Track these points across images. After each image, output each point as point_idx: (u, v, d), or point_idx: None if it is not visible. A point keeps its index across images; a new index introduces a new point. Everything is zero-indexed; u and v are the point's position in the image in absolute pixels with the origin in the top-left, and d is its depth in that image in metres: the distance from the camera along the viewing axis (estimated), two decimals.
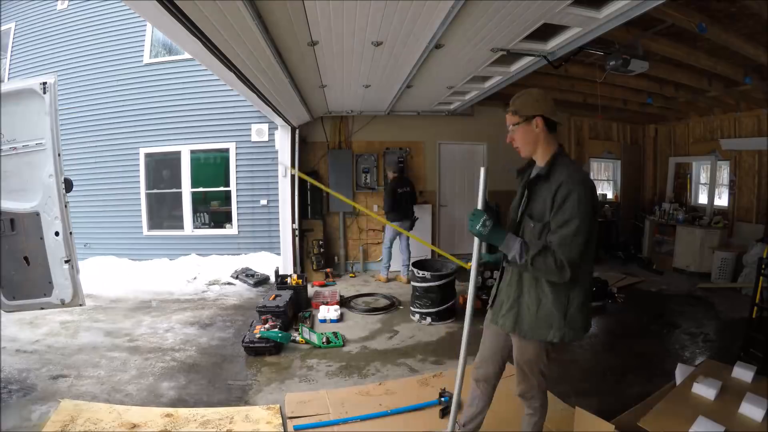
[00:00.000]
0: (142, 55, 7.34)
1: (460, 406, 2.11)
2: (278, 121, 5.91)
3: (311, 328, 4.17)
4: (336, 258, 6.84)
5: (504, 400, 2.23)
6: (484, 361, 2.08)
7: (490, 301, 2.03)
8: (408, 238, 6.01)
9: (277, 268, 5.54)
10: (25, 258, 3.12)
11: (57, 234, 3.06)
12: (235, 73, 3.40)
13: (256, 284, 6.04)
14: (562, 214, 1.67)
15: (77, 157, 7.17)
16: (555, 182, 1.71)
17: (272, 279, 5.73)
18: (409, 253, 6.05)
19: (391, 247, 6.10)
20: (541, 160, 1.84)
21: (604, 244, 7.41)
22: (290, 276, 5.17)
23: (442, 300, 4.43)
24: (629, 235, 7.75)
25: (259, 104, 4.86)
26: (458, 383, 2.04)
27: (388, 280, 6.16)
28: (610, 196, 8.23)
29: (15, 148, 3.01)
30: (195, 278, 6.24)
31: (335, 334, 4.00)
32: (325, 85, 4.68)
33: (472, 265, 1.91)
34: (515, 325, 1.85)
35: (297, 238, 6.30)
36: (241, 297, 5.58)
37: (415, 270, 4.58)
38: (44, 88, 2.92)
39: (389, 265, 6.15)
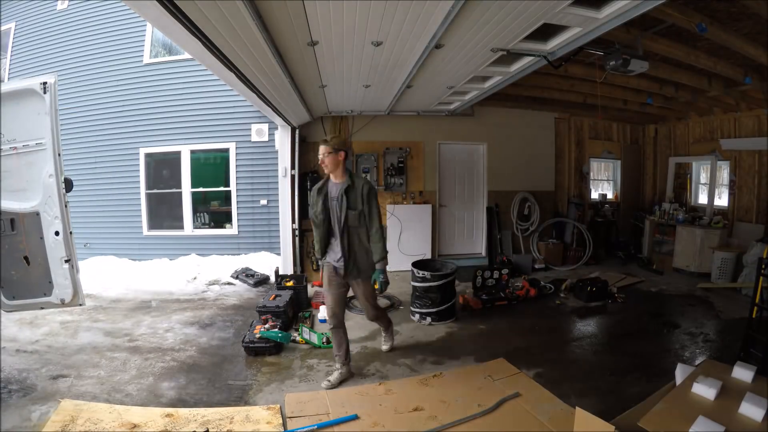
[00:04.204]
0: (142, 55, 7.35)
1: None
2: (278, 121, 5.91)
3: (311, 328, 4.16)
4: None
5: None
6: (337, 311, 3.18)
7: (343, 271, 3.10)
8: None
9: (277, 268, 5.54)
10: (25, 258, 3.13)
11: (57, 234, 3.07)
12: (235, 73, 3.40)
13: (256, 284, 6.04)
14: (372, 202, 3.07)
15: (77, 157, 7.18)
16: (359, 186, 3.04)
17: (272, 279, 5.72)
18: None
19: None
20: (339, 178, 3.09)
21: (604, 243, 7.42)
22: (290, 276, 5.16)
23: (442, 300, 4.43)
24: (629, 235, 7.74)
25: (259, 104, 4.86)
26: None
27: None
28: (610, 196, 8.22)
29: (15, 147, 3.02)
30: (195, 278, 6.24)
31: None
32: (325, 85, 4.67)
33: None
34: (359, 273, 3.11)
35: (297, 238, 6.30)
36: (241, 297, 5.58)
37: (415, 270, 4.58)
38: (44, 88, 2.93)
39: None
